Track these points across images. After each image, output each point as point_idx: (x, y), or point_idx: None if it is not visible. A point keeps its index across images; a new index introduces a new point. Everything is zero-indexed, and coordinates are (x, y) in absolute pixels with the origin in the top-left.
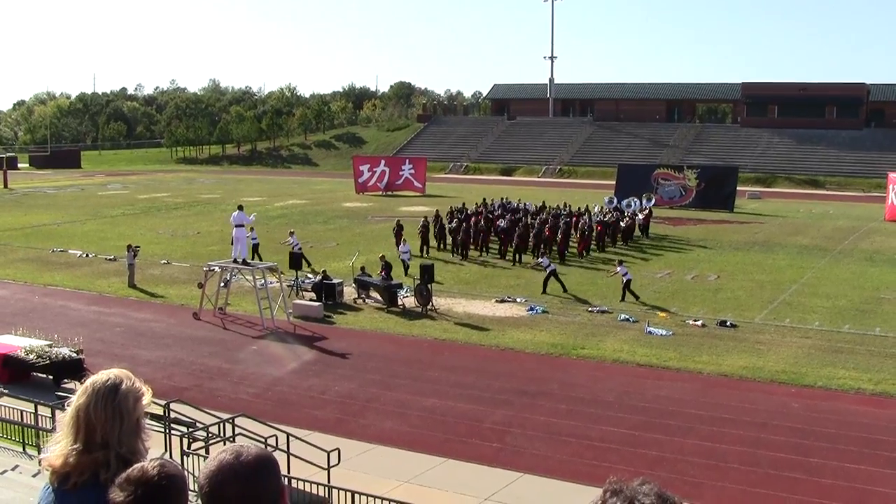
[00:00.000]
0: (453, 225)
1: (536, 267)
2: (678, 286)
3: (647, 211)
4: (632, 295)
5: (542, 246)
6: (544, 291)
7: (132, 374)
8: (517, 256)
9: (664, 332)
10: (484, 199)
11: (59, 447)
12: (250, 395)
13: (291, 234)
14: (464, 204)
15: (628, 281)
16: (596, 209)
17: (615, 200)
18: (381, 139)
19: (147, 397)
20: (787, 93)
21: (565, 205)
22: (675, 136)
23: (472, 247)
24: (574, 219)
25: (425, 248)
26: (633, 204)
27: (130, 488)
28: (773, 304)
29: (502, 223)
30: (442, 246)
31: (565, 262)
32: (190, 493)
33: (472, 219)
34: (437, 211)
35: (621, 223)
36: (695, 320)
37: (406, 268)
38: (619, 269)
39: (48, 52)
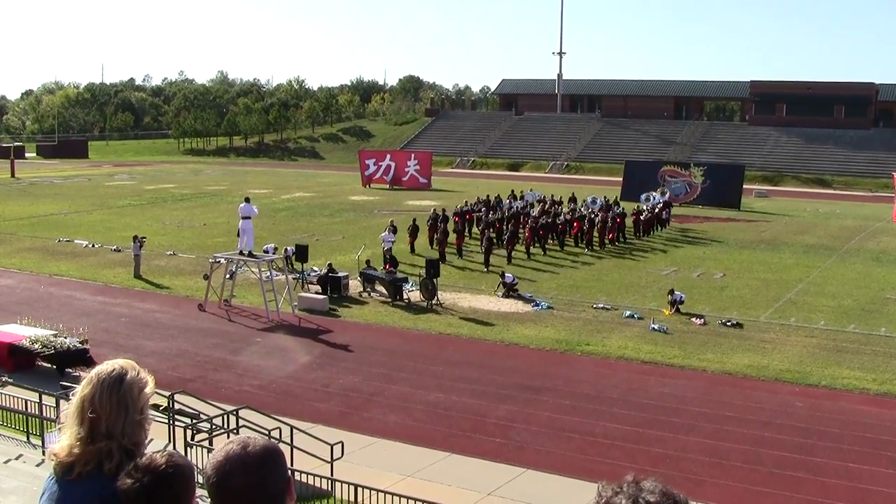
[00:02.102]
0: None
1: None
2: (684, 283)
3: (661, 205)
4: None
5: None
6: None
7: (137, 364)
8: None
9: (656, 327)
10: (512, 191)
11: (63, 437)
12: (254, 388)
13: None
14: (484, 197)
15: (680, 300)
16: (582, 207)
17: (598, 200)
18: (389, 133)
19: (150, 387)
20: (796, 91)
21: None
22: (683, 133)
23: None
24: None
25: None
26: (651, 198)
27: (138, 475)
28: (779, 302)
29: (533, 212)
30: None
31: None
32: (196, 485)
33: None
34: (467, 201)
35: (642, 217)
36: (696, 318)
37: (392, 259)
38: (673, 295)
39: (57, 42)
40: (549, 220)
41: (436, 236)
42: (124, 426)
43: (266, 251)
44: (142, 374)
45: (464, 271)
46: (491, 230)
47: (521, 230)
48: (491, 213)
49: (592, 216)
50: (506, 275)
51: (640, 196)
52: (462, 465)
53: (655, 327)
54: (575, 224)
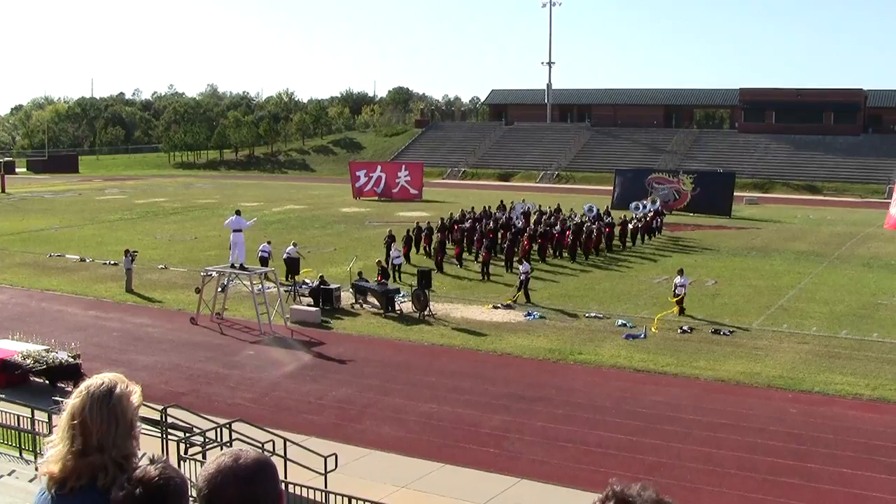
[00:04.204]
0: (466, 226)
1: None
2: None
3: (651, 213)
4: (678, 306)
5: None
6: (528, 300)
7: (127, 377)
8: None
9: (633, 335)
10: (501, 202)
11: (55, 452)
12: (247, 400)
13: (268, 243)
14: (469, 209)
15: (681, 295)
16: (578, 217)
17: (595, 208)
18: (379, 144)
19: (138, 398)
20: (785, 98)
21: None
22: (673, 141)
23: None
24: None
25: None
26: (640, 207)
27: (131, 487)
28: (771, 309)
29: (519, 223)
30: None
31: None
32: (190, 499)
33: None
34: (452, 214)
35: (629, 226)
36: (682, 329)
37: (396, 272)
38: (678, 279)
39: (46, 57)
40: (547, 229)
41: (430, 246)
42: (115, 439)
43: (262, 253)
44: (130, 386)
45: (462, 280)
46: (485, 240)
47: (519, 239)
48: (486, 222)
49: (590, 225)
50: (524, 263)
51: (629, 205)
52: (456, 476)
53: (633, 336)
54: (567, 233)
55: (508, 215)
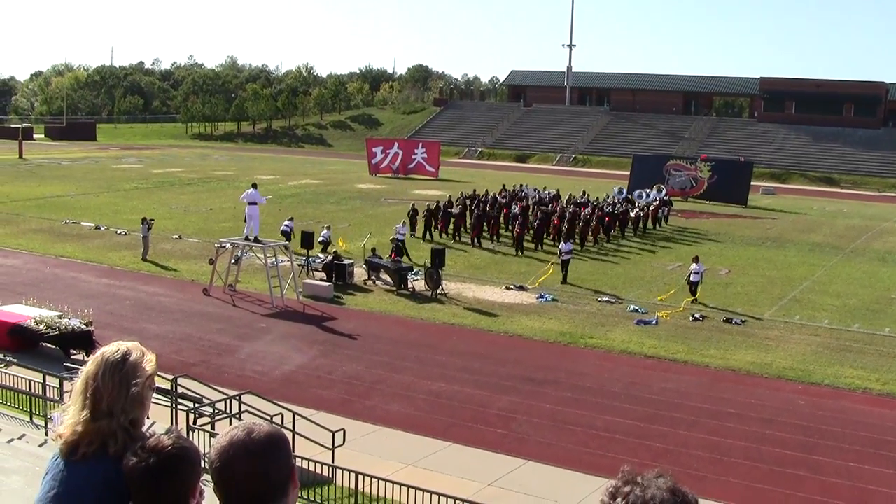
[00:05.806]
0: (456, 211)
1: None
2: None
3: (657, 202)
4: (691, 292)
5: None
6: (565, 280)
7: (143, 346)
8: (523, 245)
9: (644, 321)
10: (504, 186)
11: (68, 416)
12: (257, 373)
13: (291, 219)
14: (474, 190)
15: (694, 283)
16: (609, 198)
17: (624, 191)
18: (397, 121)
19: (152, 367)
20: (805, 89)
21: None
22: (692, 128)
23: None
24: (583, 208)
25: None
26: (644, 195)
27: (144, 455)
28: (783, 300)
29: (515, 209)
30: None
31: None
32: (201, 469)
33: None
34: (451, 197)
35: (630, 213)
36: (694, 317)
37: (398, 249)
38: (693, 266)
39: (67, 24)
40: (575, 210)
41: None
42: (124, 405)
43: (285, 227)
44: (147, 355)
45: (495, 255)
46: (520, 216)
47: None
48: (526, 203)
49: (620, 207)
50: (566, 243)
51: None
52: (463, 455)
53: (644, 322)
54: (606, 218)
55: (505, 202)
